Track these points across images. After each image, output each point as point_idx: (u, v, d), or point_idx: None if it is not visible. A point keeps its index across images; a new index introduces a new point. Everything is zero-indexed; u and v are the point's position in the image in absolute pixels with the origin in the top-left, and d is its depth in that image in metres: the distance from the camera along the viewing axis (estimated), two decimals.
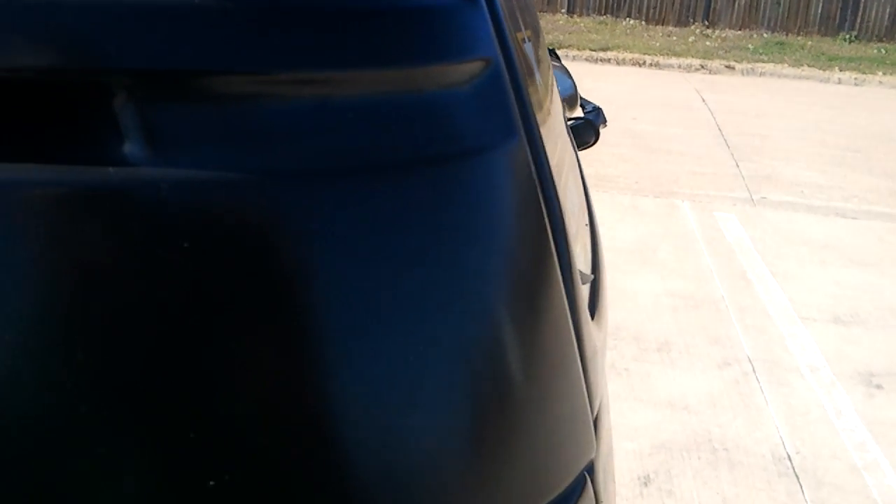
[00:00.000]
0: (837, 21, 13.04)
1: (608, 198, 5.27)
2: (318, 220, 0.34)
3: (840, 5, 12.99)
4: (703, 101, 8.70)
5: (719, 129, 7.43)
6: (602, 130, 1.61)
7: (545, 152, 0.44)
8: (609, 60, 11.07)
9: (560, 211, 0.45)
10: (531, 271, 0.41)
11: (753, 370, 3.27)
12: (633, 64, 10.99)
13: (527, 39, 0.59)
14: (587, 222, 0.80)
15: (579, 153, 1.43)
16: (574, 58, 10.93)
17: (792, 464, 2.70)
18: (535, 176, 0.42)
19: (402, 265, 0.36)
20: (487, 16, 0.40)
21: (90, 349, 0.32)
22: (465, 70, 0.38)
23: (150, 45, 0.31)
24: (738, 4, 13.31)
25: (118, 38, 0.31)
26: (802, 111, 8.52)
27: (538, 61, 0.65)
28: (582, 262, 0.61)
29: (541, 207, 0.42)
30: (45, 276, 0.32)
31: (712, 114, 8.05)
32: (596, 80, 9.34)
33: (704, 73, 10.71)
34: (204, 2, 0.32)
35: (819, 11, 13.11)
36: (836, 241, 4.78)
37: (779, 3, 13.18)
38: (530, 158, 0.41)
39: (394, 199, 0.36)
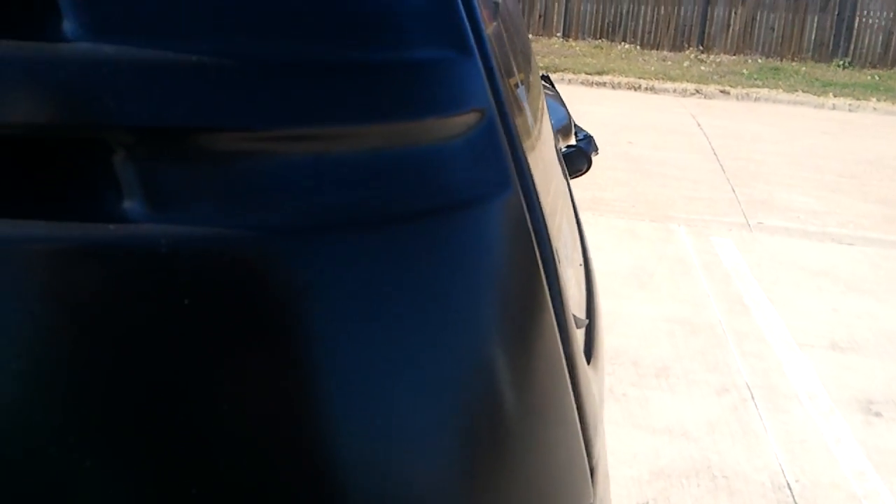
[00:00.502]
0: (831, 47, 13.15)
1: (604, 221, 5.28)
2: (315, 275, 0.34)
3: (834, 32, 13.10)
4: (699, 125, 8.75)
5: (715, 153, 7.46)
6: (595, 156, 1.60)
7: (539, 200, 0.44)
8: (604, 84, 11.14)
9: (554, 258, 0.45)
10: (526, 320, 0.42)
11: (752, 396, 3.26)
12: (629, 88, 11.05)
13: (520, 83, 0.59)
14: (581, 262, 0.80)
15: (572, 181, 1.43)
16: (569, 81, 11.00)
17: (792, 492, 2.68)
18: (529, 225, 0.42)
19: (397, 318, 0.36)
20: (481, 67, 0.40)
21: (88, 407, 0.32)
22: (459, 122, 0.39)
23: (149, 102, 0.31)
24: (733, 30, 13.42)
25: (117, 95, 0.30)
26: (797, 136, 8.57)
27: (531, 102, 0.65)
28: (576, 305, 0.60)
29: (535, 256, 0.42)
30: (44, 333, 0.31)
31: (708, 138, 8.09)
32: (591, 103, 9.39)
33: (700, 98, 10.77)
34: (201, 59, 0.32)
35: (813, 38, 13.22)
36: (832, 267, 4.78)
37: (773, 29, 13.29)
38: (524, 207, 0.42)
39: (388, 252, 0.36)
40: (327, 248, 0.34)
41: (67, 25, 0.30)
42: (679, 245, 4.98)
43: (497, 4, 0.59)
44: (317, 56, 0.35)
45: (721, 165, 7.03)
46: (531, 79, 0.79)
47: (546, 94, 1.52)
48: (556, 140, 1.27)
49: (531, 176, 0.44)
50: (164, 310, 0.32)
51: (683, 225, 5.35)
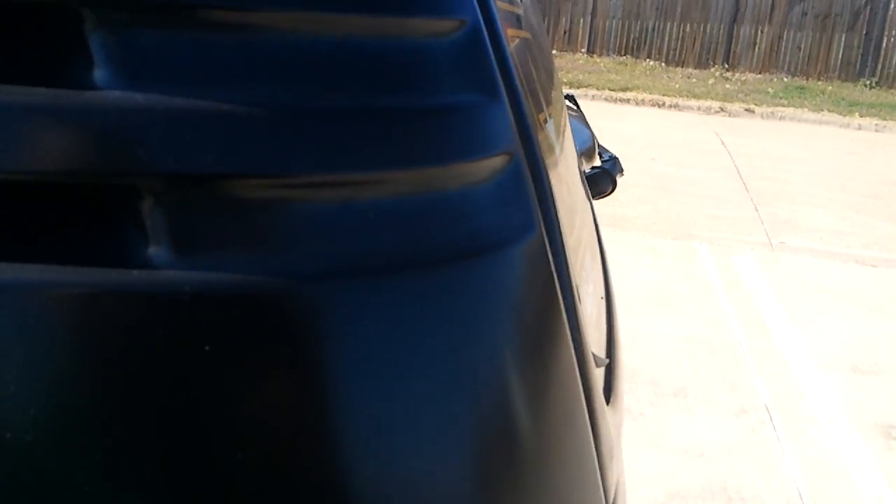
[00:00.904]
0: (858, 67, 13.06)
1: (626, 238, 5.26)
2: (339, 320, 0.34)
3: (861, 51, 13.02)
4: (723, 143, 8.71)
5: (738, 172, 7.42)
6: (620, 177, 1.60)
7: (562, 240, 0.44)
8: (628, 101, 11.12)
9: (575, 299, 0.45)
10: (546, 363, 0.42)
11: (770, 418, 3.23)
12: (653, 105, 11.03)
13: (549, 118, 0.59)
14: (603, 294, 0.80)
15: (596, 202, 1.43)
16: (593, 97, 10.99)
17: None
18: (552, 266, 0.42)
19: (420, 361, 0.36)
20: (509, 111, 0.40)
21: (108, 451, 0.32)
22: (487, 166, 0.39)
23: (177, 149, 0.32)
24: (759, 48, 13.37)
25: (146, 142, 0.31)
26: (822, 156, 8.51)
27: (555, 127, 0.65)
28: (597, 342, 0.61)
29: (557, 298, 0.42)
30: (67, 376, 0.32)
31: (731, 157, 8.05)
32: (615, 120, 9.37)
33: (724, 116, 10.73)
34: (230, 107, 0.32)
35: (840, 57, 13.14)
36: (855, 289, 4.74)
37: (799, 48, 13.23)
38: (548, 249, 0.42)
39: (413, 298, 0.36)
40: (353, 294, 0.35)
41: (99, 74, 0.31)
42: (701, 264, 4.96)
43: (520, 18, 0.60)
44: (344, 102, 0.35)
45: (744, 184, 6.99)
46: (554, 99, 0.79)
47: (570, 114, 1.53)
48: (580, 162, 1.27)
49: (556, 215, 0.44)
50: (186, 356, 0.32)
51: (705, 243, 5.33)
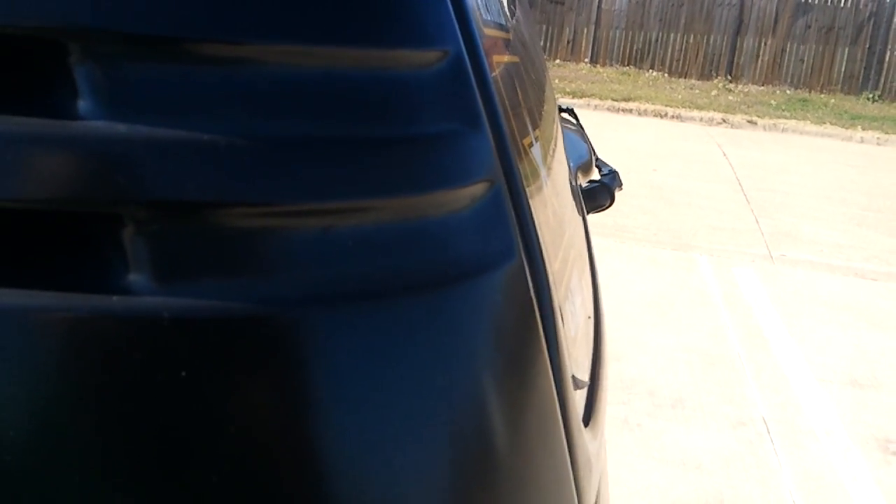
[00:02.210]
0: (861, 80, 13.07)
1: (626, 249, 5.27)
2: (321, 347, 0.35)
3: (864, 65, 13.03)
4: (725, 155, 8.72)
5: (740, 183, 7.43)
6: (619, 191, 1.60)
7: (545, 265, 0.44)
8: (631, 111, 11.13)
9: (557, 323, 0.45)
10: (524, 387, 0.42)
11: (768, 431, 3.23)
12: (655, 115, 11.04)
13: (535, 140, 0.59)
14: (591, 314, 0.80)
15: (593, 215, 1.43)
16: (596, 107, 11.00)
17: None
18: (531, 291, 0.42)
19: (399, 386, 0.37)
20: (490, 139, 0.41)
21: (87, 474, 0.33)
22: (467, 194, 0.39)
23: (159, 178, 0.32)
24: (762, 60, 13.39)
25: (129, 171, 0.32)
26: (824, 169, 8.52)
27: (546, 153, 0.65)
28: (581, 364, 0.61)
29: (536, 323, 0.43)
30: (49, 400, 0.32)
31: (733, 168, 8.06)
32: (617, 130, 9.38)
33: (726, 128, 10.74)
34: (212, 137, 0.33)
35: (843, 70, 13.16)
36: (855, 302, 4.74)
37: (802, 60, 13.24)
38: (528, 274, 0.42)
39: (392, 324, 0.37)
40: (332, 320, 0.35)
41: (83, 104, 0.32)
42: (700, 275, 4.96)
43: (508, 42, 0.60)
44: (326, 132, 0.36)
45: (746, 196, 7.00)
46: (544, 117, 0.80)
47: (568, 128, 1.53)
48: (575, 177, 1.27)
49: (538, 240, 0.44)
50: (165, 381, 0.32)
51: (705, 255, 5.33)
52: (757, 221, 6.24)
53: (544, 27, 13.87)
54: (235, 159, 0.33)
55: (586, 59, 13.96)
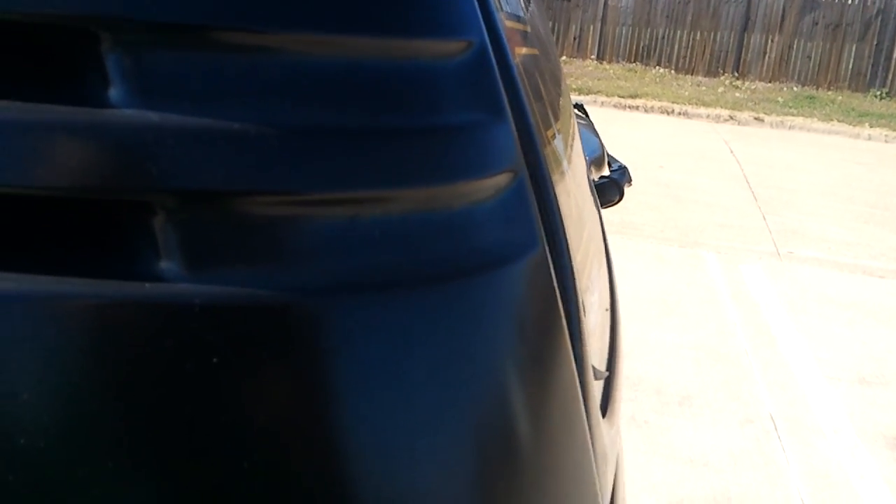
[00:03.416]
0: (868, 77, 13.03)
1: (633, 245, 5.26)
2: (347, 335, 0.35)
3: (871, 62, 12.99)
4: (732, 152, 8.70)
5: (747, 181, 7.42)
6: (629, 187, 1.61)
7: (569, 254, 0.45)
8: (637, 108, 11.12)
9: (580, 313, 0.45)
10: (548, 377, 0.42)
11: (775, 428, 3.23)
12: (662, 112, 11.03)
13: (557, 132, 0.59)
14: (608, 306, 0.80)
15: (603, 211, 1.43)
16: (602, 104, 10.99)
17: None
18: (554, 282, 0.42)
19: (423, 375, 0.37)
20: (514, 129, 0.41)
21: (119, 461, 0.33)
22: (491, 184, 0.39)
23: (189, 166, 0.32)
24: (769, 57, 13.35)
25: (159, 159, 0.32)
26: (831, 166, 8.50)
27: (566, 145, 0.66)
28: (598, 354, 0.61)
29: (559, 313, 0.43)
30: (81, 386, 0.33)
31: (740, 165, 8.04)
32: (624, 127, 9.37)
33: (733, 124, 10.72)
34: (241, 125, 0.33)
35: (850, 67, 13.12)
36: (862, 300, 4.73)
37: (809, 57, 13.21)
38: (551, 264, 0.42)
39: (417, 313, 0.37)
40: (358, 309, 0.35)
41: (114, 92, 0.32)
42: (708, 272, 4.96)
43: (527, 34, 0.60)
44: (351, 122, 0.36)
45: (753, 193, 6.99)
46: (562, 110, 0.80)
47: (579, 123, 1.53)
48: (590, 171, 1.27)
49: (562, 230, 0.44)
50: (195, 367, 0.33)
51: (713, 252, 5.32)
52: (764, 218, 6.23)
53: (550, 23, 13.85)
54: (263, 148, 0.33)
55: (593, 56, 13.94)
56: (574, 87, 11.50)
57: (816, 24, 13.14)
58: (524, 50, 0.54)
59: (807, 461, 3.02)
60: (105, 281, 0.32)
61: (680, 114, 10.98)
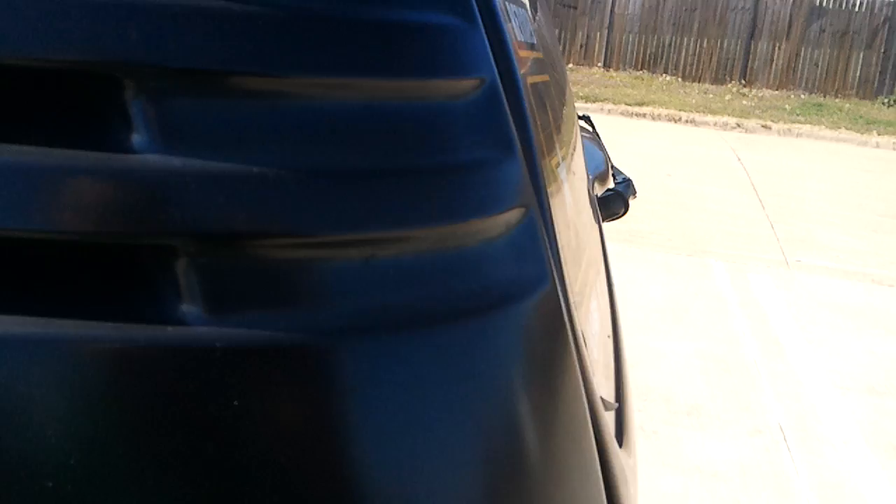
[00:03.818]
0: (876, 84, 13.01)
1: (640, 254, 5.26)
2: (364, 374, 0.36)
3: (879, 69, 12.97)
4: (739, 160, 8.69)
5: (755, 189, 7.41)
6: (633, 199, 1.61)
7: (566, 289, 0.45)
8: (644, 115, 11.12)
9: (580, 347, 0.45)
10: (560, 412, 0.43)
11: (784, 438, 3.22)
12: (669, 120, 11.02)
13: (560, 161, 0.60)
14: (610, 333, 0.80)
15: (607, 223, 1.43)
16: (609, 111, 11.00)
17: None
18: (564, 315, 0.43)
19: (439, 413, 0.37)
20: (523, 164, 0.41)
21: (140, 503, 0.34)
22: (502, 221, 0.40)
23: (211, 211, 0.33)
24: (776, 64, 13.34)
25: (181, 204, 0.33)
26: (839, 174, 8.48)
27: (567, 170, 0.66)
28: (605, 383, 0.61)
29: (570, 347, 0.43)
30: (103, 428, 0.33)
31: (748, 173, 8.03)
32: (630, 134, 9.37)
33: (740, 132, 10.71)
34: (260, 169, 0.34)
35: (858, 74, 13.10)
36: (871, 309, 4.72)
37: (817, 65, 13.19)
38: (560, 298, 0.42)
39: (433, 352, 0.37)
40: (375, 349, 0.36)
41: (137, 138, 0.33)
42: (716, 281, 4.95)
43: (539, 61, 0.61)
44: (367, 164, 0.36)
45: (760, 201, 6.98)
46: (566, 119, 0.80)
47: (584, 136, 1.54)
48: (593, 186, 1.28)
49: (562, 261, 0.45)
50: (216, 409, 0.33)
51: (721, 260, 5.32)
52: (772, 227, 6.22)
53: (557, 31, 13.87)
54: (280, 191, 0.34)
55: (599, 64, 13.95)
56: (581, 94, 11.51)
57: (823, 31, 13.13)
58: (536, 78, 0.55)
59: (816, 472, 3.01)
60: (128, 325, 0.33)
61: (687, 121, 10.98)
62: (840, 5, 13.06)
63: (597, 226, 1.10)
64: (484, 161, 0.39)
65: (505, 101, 0.41)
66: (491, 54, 0.41)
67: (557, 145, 0.60)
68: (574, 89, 11.78)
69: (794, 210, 6.78)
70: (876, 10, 12.90)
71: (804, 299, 4.77)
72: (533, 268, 0.40)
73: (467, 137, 0.39)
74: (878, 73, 12.98)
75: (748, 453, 3.10)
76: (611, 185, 1.52)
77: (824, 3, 13.12)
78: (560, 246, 0.45)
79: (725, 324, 4.30)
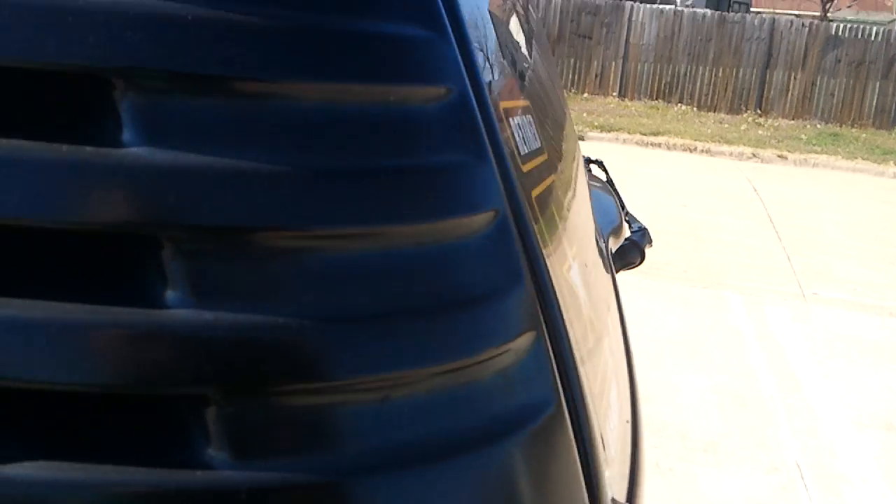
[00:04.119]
0: (892, 114, 12.98)
1: (656, 286, 5.24)
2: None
3: (895, 99, 12.95)
4: (755, 190, 8.68)
5: (771, 220, 7.39)
6: (649, 248, 1.58)
7: (587, 414, 0.46)
8: (659, 145, 11.12)
9: (596, 458, 0.46)
10: None
11: (801, 476, 3.19)
12: (684, 150, 11.02)
13: (568, 255, 0.60)
14: (629, 417, 0.80)
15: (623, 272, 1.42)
16: (624, 141, 11.01)
17: None
18: (573, 439, 0.44)
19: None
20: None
21: None
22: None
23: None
24: (792, 94, 13.35)
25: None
26: (856, 205, 8.44)
27: (571, 244, 0.66)
28: (619, 473, 0.61)
29: (577, 466, 0.44)
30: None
31: (764, 204, 8.01)
32: (646, 164, 9.38)
33: (756, 162, 10.69)
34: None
35: (874, 104, 13.08)
36: (889, 343, 4.68)
37: (833, 94, 13.19)
38: (568, 421, 0.44)
39: (441, 484, 0.39)
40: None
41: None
42: (732, 314, 4.93)
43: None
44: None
45: (777, 232, 6.95)
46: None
47: (594, 186, 1.52)
48: (606, 243, 1.26)
49: (580, 387, 0.46)
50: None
51: (737, 293, 5.29)
52: (789, 259, 6.20)
53: (572, 61, 13.94)
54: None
55: (614, 93, 13.99)
56: (596, 124, 11.53)
57: (839, 61, 13.14)
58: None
59: None
60: (155, 469, 0.34)
61: (703, 151, 10.97)
62: (856, 35, 13.07)
63: (608, 272, 1.09)
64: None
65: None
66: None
67: (558, 216, 0.60)
68: (589, 119, 11.82)
69: (810, 241, 6.75)
70: (892, 40, 12.89)
71: (821, 333, 4.74)
72: (538, 393, 0.43)
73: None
74: (894, 103, 12.95)
75: (765, 491, 3.07)
76: (627, 233, 1.50)
77: (840, 33, 13.13)
78: (578, 374, 0.46)
79: (741, 357, 4.27)
